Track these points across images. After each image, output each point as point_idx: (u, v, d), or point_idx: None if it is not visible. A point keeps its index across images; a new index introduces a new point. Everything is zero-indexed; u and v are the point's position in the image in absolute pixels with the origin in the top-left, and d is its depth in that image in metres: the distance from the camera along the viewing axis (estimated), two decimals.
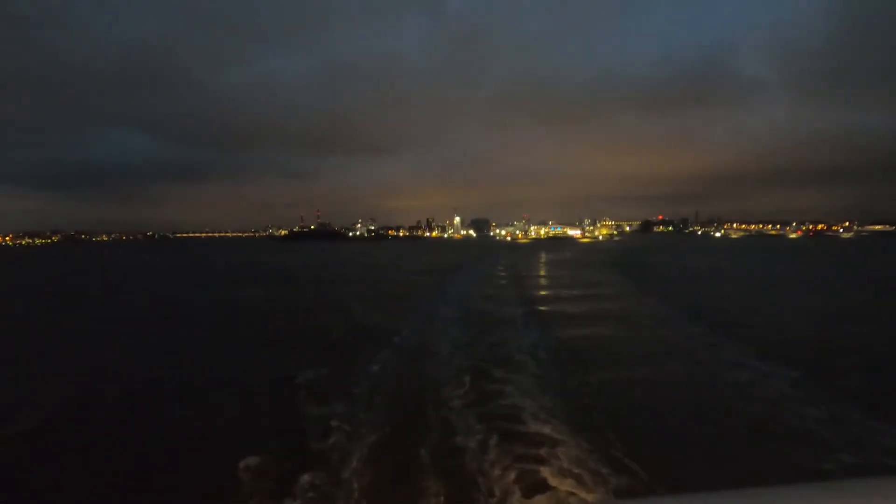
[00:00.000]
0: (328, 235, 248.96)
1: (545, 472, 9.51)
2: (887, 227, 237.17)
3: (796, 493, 1.29)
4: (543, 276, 49.09)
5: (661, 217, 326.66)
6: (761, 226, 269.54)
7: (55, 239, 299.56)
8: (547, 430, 11.28)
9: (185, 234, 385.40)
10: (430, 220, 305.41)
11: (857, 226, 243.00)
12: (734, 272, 53.69)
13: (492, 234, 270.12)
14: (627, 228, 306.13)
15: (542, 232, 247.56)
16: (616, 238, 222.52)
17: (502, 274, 51.28)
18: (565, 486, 8.97)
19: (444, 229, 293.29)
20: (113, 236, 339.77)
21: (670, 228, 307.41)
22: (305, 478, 9.28)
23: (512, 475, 9.35)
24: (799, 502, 1.25)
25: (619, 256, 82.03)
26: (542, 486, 9.01)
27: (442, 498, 8.62)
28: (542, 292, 36.66)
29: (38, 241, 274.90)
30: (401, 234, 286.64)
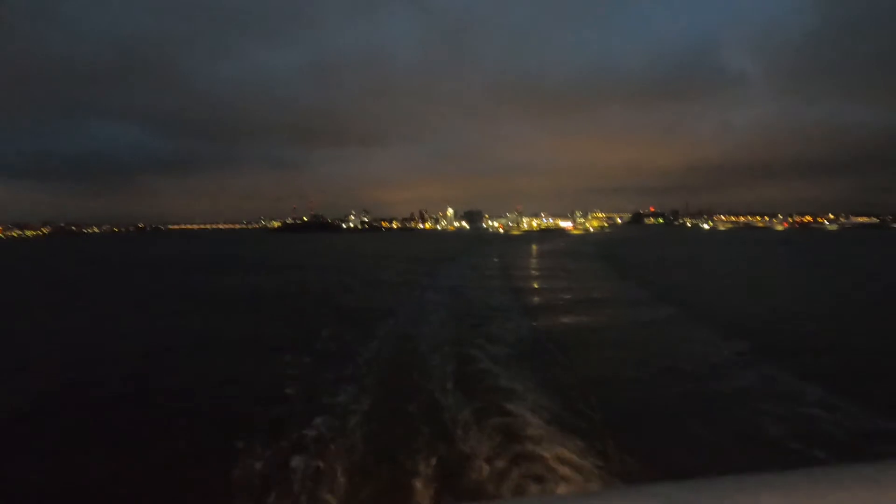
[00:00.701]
0: (322, 227, 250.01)
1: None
2: (872, 220, 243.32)
3: (781, 481, 1.31)
4: (531, 262, 52.13)
5: (652, 209, 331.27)
6: (749, 218, 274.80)
7: (45, 231, 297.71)
8: (505, 345, 14.16)
9: (176, 226, 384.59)
10: (423, 211, 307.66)
11: (845, 218, 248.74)
12: (708, 261, 57.15)
13: (485, 225, 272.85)
14: (619, 220, 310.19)
15: (535, 224, 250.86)
16: (606, 230, 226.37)
17: (495, 261, 54.91)
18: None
19: (437, 221, 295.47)
20: (105, 228, 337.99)
21: (661, 220, 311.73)
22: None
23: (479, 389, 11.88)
24: (784, 489, 1.26)
25: (606, 247, 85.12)
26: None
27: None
28: (529, 272, 39.96)
29: (28, 233, 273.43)
30: (394, 226, 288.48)
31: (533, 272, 45.80)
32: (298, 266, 55.55)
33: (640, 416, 11.62)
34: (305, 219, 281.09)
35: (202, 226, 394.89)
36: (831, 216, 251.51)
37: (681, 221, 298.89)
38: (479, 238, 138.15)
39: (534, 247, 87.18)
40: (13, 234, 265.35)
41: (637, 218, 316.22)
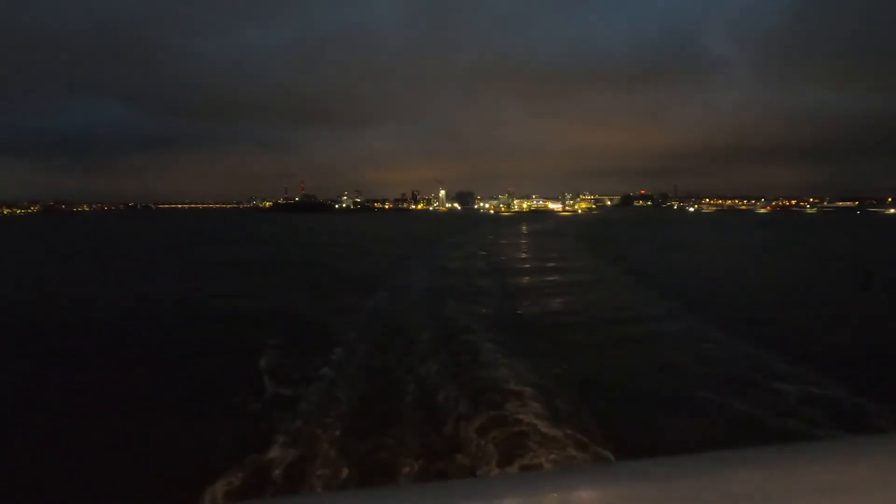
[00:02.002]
0: (314, 207, 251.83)
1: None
2: (852, 203, 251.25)
3: (756, 456, 1.32)
4: (518, 240, 56.85)
5: (643, 192, 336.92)
6: (733, 201, 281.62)
7: (35, 209, 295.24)
8: (485, 296, 18.68)
9: (167, 205, 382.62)
10: (415, 192, 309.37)
11: (828, 202, 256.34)
12: (681, 240, 62.30)
13: (476, 207, 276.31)
14: (609, 202, 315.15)
15: (525, 206, 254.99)
16: (594, 211, 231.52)
17: (490, 237, 60.14)
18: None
19: (429, 202, 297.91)
20: (95, 206, 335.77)
21: (649, 203, 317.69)
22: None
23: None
24: (772, 463, 1.28)
25: (585, 227, 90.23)
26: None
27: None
28: (519, 244, 44.61)
29: (18, 211, 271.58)
30: (387, 207, 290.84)
31: (523, 243, 50.97)
32: (317, 243, 59.75)
33: (571, 342, 16.38)
34: (297, 199, 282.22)
35: (192, 205, 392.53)
36: (812, 200, 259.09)
37: (668, 204, 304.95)
38: (470, 219, 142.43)
39: (523, 227, 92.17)
40: (4, 211, 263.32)
41: (626, 200, 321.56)
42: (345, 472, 8.12)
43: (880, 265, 36.52)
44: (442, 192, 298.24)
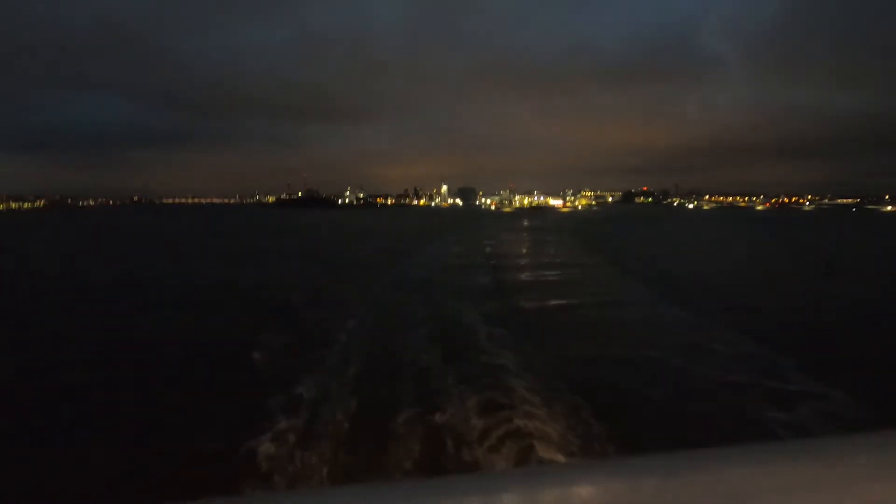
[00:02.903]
0: (317, 203, 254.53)
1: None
2: (850, 201, 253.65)
3: (761, 452, 1.30)
4: (515, 233, 59.89)
5: (645, 188, 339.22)
6: (733, 198, 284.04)
7: (41, 204, 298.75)
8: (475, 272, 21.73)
9: (171, 200, 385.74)
10: (418, 188, 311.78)
11: (829, 199, 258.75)
12: (671, 237, 65.23)
13: (478, 202, 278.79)
14: (610, 199, 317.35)
15: (526, 202, 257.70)
16: (594, 208, 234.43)
17: (490, 232, 63.03)
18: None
19: (431, 198, 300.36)
20: (100, 201, 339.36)
21: (650, 200, 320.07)
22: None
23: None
24: (770, 460, 1.27)
25: (579, 222, 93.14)
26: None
27: None
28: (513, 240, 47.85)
29: (26, 206, 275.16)
30: (389, 203, 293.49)
31: (524, 236, 54.04)
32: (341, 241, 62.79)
33: (550, 320, 19.34)
34: (300, 194, 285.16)
35: (195, 199, 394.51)
36: (810, 197, 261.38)
37: (669, 201, 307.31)
38: (472, 215, 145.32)
39: (525, 222, 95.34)
40: (12, 205, 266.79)
41: (628, 197, 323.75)
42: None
43: (856, 258, 39.39)
44: (444, 188, 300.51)
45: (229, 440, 8.94)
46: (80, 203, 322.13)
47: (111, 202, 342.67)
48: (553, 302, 21.70)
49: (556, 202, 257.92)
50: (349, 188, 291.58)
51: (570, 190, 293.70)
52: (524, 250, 44.50)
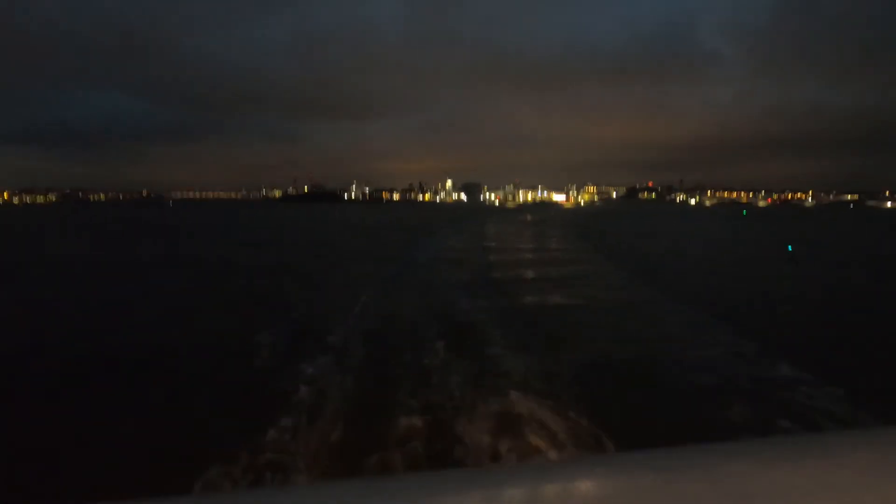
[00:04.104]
0: (324, 197, 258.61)
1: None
2: (851, 197, 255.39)
3: (761, 448, 1.32)
4: (516, 226, 63.56)
5: (650, 184, 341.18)
6: (736, 194, 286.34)
7: (52, 197, 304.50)
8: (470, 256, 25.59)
9: (178, 195, 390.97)
10: (422, 183, 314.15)
11: (834, 195, 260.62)
12: (669, 232, 68.71)
13: (482, 198, 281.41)
14: (614, 194, 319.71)
15: (530, 197, 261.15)
16: (597, 203, 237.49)
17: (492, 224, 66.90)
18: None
19: (436, 193, 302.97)
20: (111, 195, 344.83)
21: (653, 195, 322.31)
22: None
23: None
24: (767, 456, 1.28)
25: (581, 217, 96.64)
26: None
27: None
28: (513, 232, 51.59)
29: (39, 199, 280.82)
30: (395, 198, 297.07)
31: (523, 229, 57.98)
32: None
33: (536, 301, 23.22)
34: (306, 189, 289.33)
35: (202, 194, 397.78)
36: (811, 193, 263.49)
37: (672, 197, 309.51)
38: (477, 210, 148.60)
39: (528, 216, 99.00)
40: (27, 199, 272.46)
41: (631, 193, 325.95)
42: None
43: (829, 248, 42.90)
44: (449, 183, 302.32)
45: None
46: (91, 197, 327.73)
47: (121, 196, 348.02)
48: (529, 274, 25.54)
49: (559, 197, 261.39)
50: (355, 183, 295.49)
51: (573, 185, 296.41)
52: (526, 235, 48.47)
